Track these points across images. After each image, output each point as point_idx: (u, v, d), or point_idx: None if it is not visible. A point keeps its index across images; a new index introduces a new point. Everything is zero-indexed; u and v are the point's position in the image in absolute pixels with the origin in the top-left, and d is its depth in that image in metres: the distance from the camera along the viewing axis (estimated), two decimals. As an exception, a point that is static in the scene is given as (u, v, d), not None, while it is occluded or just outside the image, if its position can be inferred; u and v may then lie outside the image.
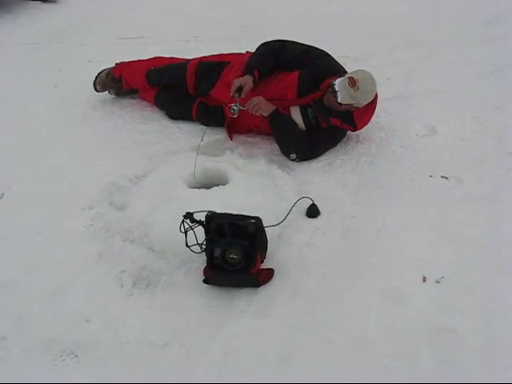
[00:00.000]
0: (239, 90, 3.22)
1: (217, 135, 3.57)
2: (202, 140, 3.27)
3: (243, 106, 3.24)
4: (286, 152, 3.36)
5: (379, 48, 4.98)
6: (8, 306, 2.41)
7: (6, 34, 5.72)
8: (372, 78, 3.24)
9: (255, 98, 3.27)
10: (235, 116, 3.26)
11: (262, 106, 3.27)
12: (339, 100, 3.16)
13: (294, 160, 3.33)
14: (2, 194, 3.12)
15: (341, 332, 2.27)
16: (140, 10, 6.24)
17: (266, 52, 3.43)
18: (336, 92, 3.15)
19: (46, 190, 3.13)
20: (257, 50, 3.48)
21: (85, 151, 3.49)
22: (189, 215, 2.43)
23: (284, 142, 3.38)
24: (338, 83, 3.17)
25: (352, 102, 3.21)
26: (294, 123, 3.35)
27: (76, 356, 2.19)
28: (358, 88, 3.14)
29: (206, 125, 3.61)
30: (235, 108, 3.22)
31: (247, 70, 3.32)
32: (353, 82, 3.14)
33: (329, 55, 3.47)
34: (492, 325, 2.28)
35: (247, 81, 3.23)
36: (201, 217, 2.46)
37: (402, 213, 2.92)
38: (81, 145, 3.57)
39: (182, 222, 2.44)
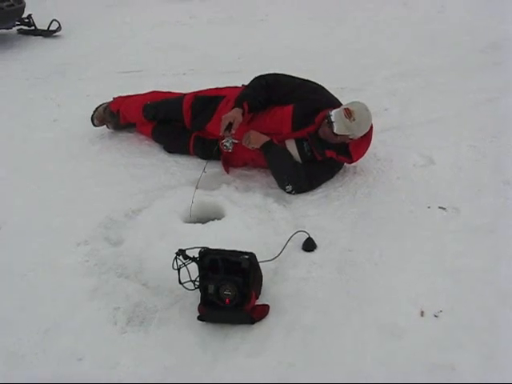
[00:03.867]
0: (229, 126, 3.21)
1: (213, 169, 3.56)
2: (205, 171, 3.26)
3: (236, 139, 3.24)
4: (281, 184, 3.35)
5: (376, 78, 5.00)
6: (0, 344, 2.38)
7: (8, 69, 5.78)
8: (367, 110, 3.25)
9: (247, 133, 3.29)
10: (230, 151, 3.26)
11: (251, 140, 3.29)
12: (335, 130, 3.16)
13: (290, 192, 3.32)
14: (-2, 229, 3.12)
15: (336, 368, 2.23)
16: (138, 44, 6.31)
17: (259, 86, 3.44)
18: (332, 123, 3.16)
19: (43, 224, 3.14)
20: (250, 83, 3.49)
21: (82, 185, 3.50)
22: (181, 252, 2.41)
23: (279, 173, 3.37)
24: (334, 114, 3.18)
25: (348, 133, 3.21)
26: (289, 154, 3.34)
27: (68, 395, 2.17)
28: (353, 119, 3.15)
29: (202, 158, 3.62)
30: (227, 144, 3.22)
31: (237, 102, 3.32)
32: (349, 113, 3.15)
33: (323, 88, 3.48)
34: (491, 360, 2.24)
35: (236, 116, 3.22)
36: (194, 253, 2.44)
37: (400, 245, 2.89)
38: (78, 179, 3.58)
39: (175, 258, 2.42)
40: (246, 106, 3.30)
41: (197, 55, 5.75)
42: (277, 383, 2.16)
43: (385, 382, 2.16)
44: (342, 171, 3.51)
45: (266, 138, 3.31)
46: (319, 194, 3.33)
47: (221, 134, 3.22)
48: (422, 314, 2.45)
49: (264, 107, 3.44)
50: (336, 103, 3.40)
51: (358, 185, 3.42)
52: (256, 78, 3.49)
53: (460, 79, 4.94)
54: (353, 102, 3.29)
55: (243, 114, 3.27)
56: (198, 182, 3.20)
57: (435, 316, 2.44)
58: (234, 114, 3.23)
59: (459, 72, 5.10)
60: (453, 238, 2.94)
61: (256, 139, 3.30)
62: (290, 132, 3.36)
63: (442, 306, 2.48)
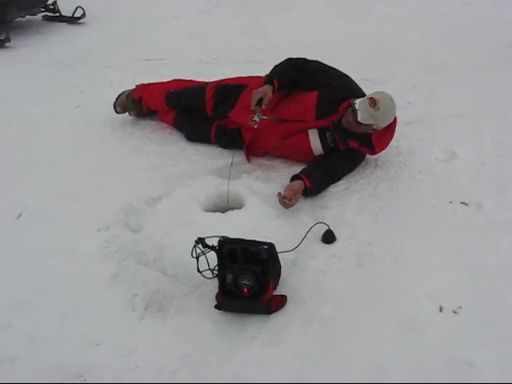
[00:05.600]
0: (259, 101, 3.22)
1: (235, 158, 3.55)
2: (232, 164, 3.29)
3: (264, 116, 3.25)
4: None
5: (400, 71, 4.95)
6: (20, 327, 2.41)
7: (33, 55, 5.82)
8: (392, 100, 3.23)
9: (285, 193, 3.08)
10: (255, 127, 3.27)
11: (293, 202, 3.08)
12: (359, 119, 3.14)
13: None
14: (20, 214, 3.14)
15: (354, 361, 2.22)
16: (162, 32, 6.30)
17: (289, 65, 3.44)
18: (356, 111, 3.14)
19: (63, 210, 3.16)
20: (280, 63, 3.48)
21: (103, 172, 3.52)
22: (200, 240, 2.41)
23: None
24: (358, 102, 3.17)
25: (371, 123, 3.19)
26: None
27: (85, 379, 2.18)
28: (378, 108, 3.14)
29: (224, 147, 3.62)
30: (257, 119, 3.23)
31: (267, 80, 3.33)
32: (373, 102, 3.14)
33: (348, 77, 3.47)
34: (510, 357, 2.21)
35: (267, 91, 3.23)
36: (214, 242, 2.44)
37: (420, 240, 2.87)
38: (99, 166, 3.60)
39: (194, 247, 2.42)
40: (276, 83, 3.30)
41: (220, 44, 5.74)
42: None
43: (402, 376, 2.15)
44: (363, 164, 3.49)
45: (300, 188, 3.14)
46: (340, 186, 3.31)
47: (252, 107, 3.22)
48: (441, 309, 2.43)
49: (292, 87, 3.43)
50: (360, 93, 3.38)
51: (379, 178, 3.39)
52: (286, 60, 3.49)
53: (484, 74, 4.87)
54: (377, 92, 3.27)
55: (273, 92, 3.27)
56: (229, 176, 3.21)
57: (454, 312, 2.41)
58: (265, 90, 3.24)
59: (483, 66, 5.03)
60: (474, 233, 2.91)
61: (295, 197, 3.09)
62: (314, 120, 3.34)
63: (462, 301, 2.46)
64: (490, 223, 2.98)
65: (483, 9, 6.55)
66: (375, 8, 6.90)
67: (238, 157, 3.58)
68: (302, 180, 3.15)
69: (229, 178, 3.19)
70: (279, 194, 3.06)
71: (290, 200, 3.04)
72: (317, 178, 3.21)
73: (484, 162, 3.52)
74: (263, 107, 3.22)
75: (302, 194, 3.16)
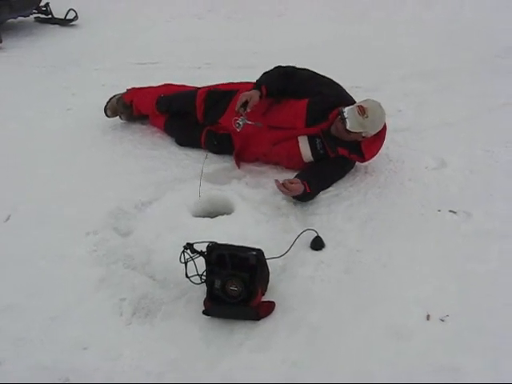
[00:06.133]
0: (244, 104, 3.22)
1: (224, 163, 3.58)
2: (206, 157, 3.29)
3: (249, 121, 3.25)
4: None
5: (391, 79, 4.97)
6: (8, 329, 2.41)
7: (25, 56, 5.83)
8: (381, 108, 3.24)
9: (283, 182, 3.14)
10: (239, 130, 3.26)
11: (291, 188, 3.13)
12: (348, 127, 3.15)
13: None
14: (9, 216, 3.13)
15: (342, 368, 2.23)
16: (155, 35, 6.33)
17: (277, 73, 3.45)
18: (345, 119, 3.15)
19: (53, 213, 3.14)
20: (269, 70, 3.49)
21: (93, 175, 3.51)
22: (189, 246, 2.41)
23: None
24: (347, 111, 3.18)
25: (360, 131, 3.20)
26: None
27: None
28: (367, 116, 3.14)
29: (214, 153, 3.63)
30: (240, 123, 3.22)
31: (256, 85, 3.34)
32: (362, 111, 3.14)
33: (337, 84, 3.48)
34: (497, 364, 2.22)
35: (253, 95, 3.24)
36: (202, 247, 2.44)
37: (409, 248, 2.87)
38: (89, 169, 3.60)
39: (183, 252, 2.42)
40: (264, 90, 3.31)
41: (213, 49, 5.75)
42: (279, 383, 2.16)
43: (389, 382, 2.16)
44: (353, 171, 3.49)
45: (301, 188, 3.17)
46: (330, 192, 3.31)
47: (236, 109, 3.23)
48: (428, 317, 2.44)
49: (281, 95, 3.43)
50: (350, 100, 3.39)
51: (368, 185, 3.40)
52: (275, 67, 3.50)
53: (476, 82, 4.90)
54: (366, 100, 3.28)
55: (261, 97, 3.28)
56: (202, 172, 3.21)
57: (441, 320, 2.42)
58: (252, 94, 3.25)
59: (475, 75, 5.06)
60: (463, 241, 2.91)
61: (297, 189, 3.14)
62: (304, 127, 3.34)
63: (450, 309, 2.47)
64: (478, 231, 2.99)
65: (476, 18, 6.61)
66: (369, 13, 6.95)
67: (228, 162, 3.59)
68: (303, 185, 3.16)
69: (201, 178, 3.18)
70: (277, 180, 3.11)
71: (291, 182, 3.10)
72: (313, 185, 3.22)
73: (473, 170, 3.54)
74: (248, 110, 3.22)
75: (298, 199, 3.18)
